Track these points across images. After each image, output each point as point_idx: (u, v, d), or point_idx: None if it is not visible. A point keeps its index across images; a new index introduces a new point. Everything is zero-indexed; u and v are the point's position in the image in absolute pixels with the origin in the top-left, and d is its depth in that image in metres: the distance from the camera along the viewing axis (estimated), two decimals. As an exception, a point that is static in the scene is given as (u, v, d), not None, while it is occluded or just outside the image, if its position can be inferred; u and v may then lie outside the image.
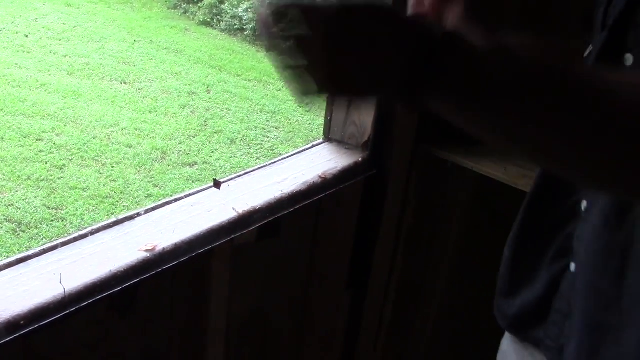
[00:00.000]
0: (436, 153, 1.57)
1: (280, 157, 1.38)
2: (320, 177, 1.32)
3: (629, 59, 0.68)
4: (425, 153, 1.57)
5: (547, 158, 0.62)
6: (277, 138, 7.93)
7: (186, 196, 1.22)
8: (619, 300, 0.77)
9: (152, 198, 5.96)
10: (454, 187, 1.78)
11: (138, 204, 5.84)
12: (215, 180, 1.24)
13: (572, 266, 0.86)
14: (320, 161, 1.39)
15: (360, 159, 1.42)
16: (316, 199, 1.32)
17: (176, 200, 1.20)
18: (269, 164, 1.35)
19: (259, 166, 1.35)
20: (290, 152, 1.42)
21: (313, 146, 1.46)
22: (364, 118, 1.38)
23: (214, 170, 6.93)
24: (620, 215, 0.75)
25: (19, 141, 6.85)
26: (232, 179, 1.28)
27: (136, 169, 6.68)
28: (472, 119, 0.62)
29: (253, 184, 1.26)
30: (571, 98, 0.55)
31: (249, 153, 7.49)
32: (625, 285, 0.76)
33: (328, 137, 1.47)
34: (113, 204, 5.89)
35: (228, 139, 7.78)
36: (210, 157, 7.26)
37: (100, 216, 5.49)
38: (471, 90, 0.58)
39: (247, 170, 1.32)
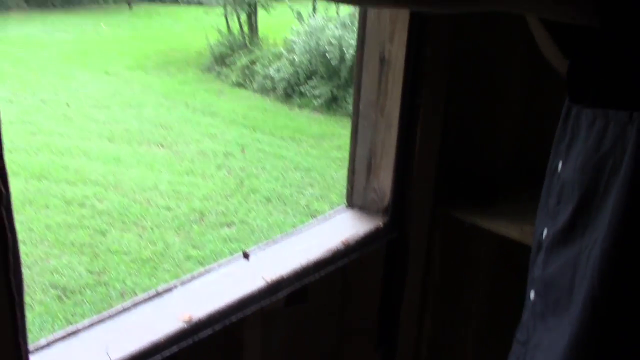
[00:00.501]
0: (454, 214, 1.63)
1: (305, 226, 1.46)
2: (343, 243, 1.39)
3: None
4: (444, 215, 1.64)
5: None
6: (312, 195, 8.02)
7: (218, 267, 1.30)
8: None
9: (191, 260, 6.08)
10: (476, 246, 1.83)
11: (178, 267, 5.95)
12: (244, 251, 1.33)
13: (532, 294, 0.92)
14: (343, 228, 1.47)
15: (381, 224, 1.49)
16: (340, 264, 1.39)
17: (208, 271, 1.29)
18: (294, 233, 1.44)
19: (284, 235, 1.43)
20: (314, 220, 1.50)
21: (336, 213, 1.54)
22: (383, 184, 1.46)
23: (251, 229, 7.03)
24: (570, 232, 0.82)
25: (63, 208, 7.07)
26: (259, 249, 1.36)
27: (175, 231, 6.82)
28: None
29: (279, 253, 1.34)
30: None
31: (285, 211, 7.58)
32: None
33: (350, 204, 1.55)
34: (154, 267, 6.01)
35: (264, 197, 7.89)
36: (247, 216, 7.36)
37: (141, 280, 5.62)
38: None
39: (274, 240, 1.40)
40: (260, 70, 11.88)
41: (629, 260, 0.72)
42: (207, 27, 13.67)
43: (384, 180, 1.44)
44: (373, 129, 1.41)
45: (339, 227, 1.47)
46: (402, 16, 1.28)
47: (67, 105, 10.40)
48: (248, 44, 13.01)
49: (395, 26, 1.30)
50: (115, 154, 8.82)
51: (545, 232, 0.88)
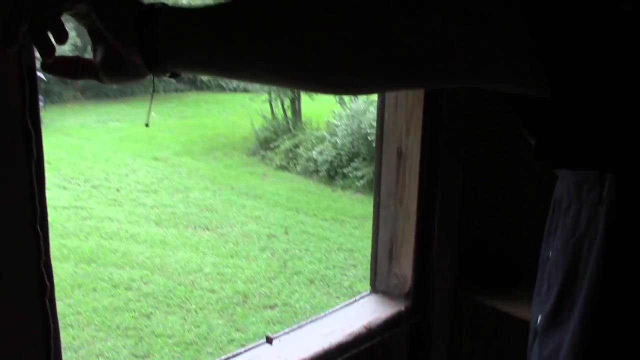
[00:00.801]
0: (477, 298, 1.67)
1: (329, 310, 1.52)
2: (365, 327, 1.45)
3: None
4: (466, 299, 1.68)
5: (258, 73, 0.68)
6: (355, 276, 8.03)
7: (243, 351, 1.36)
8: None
9: (234, 343, 6.11)
10: (498, 330, 1.85)
11: (221, 350, 5.99)
12: (267, 336, 1.39)
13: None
14: (366, 312, 1.52)
15: (403, 308, 1.55)
16: (363, 348, 1.44)
17: (234, 356, 1.35)
18: (319, 318, 1.50)
19: (309, 320, 1.49)
20: (338, 305, 1.56)
21: (360, 297, 1.60)
22: (404, 270, 1.52)
23: (294, 311, 7.06)
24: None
25: (110, 291, 7.23)
26: (284, 333, 1.43)
27: (219, 313, 6.89)
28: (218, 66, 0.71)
29: (303, 337, 1.40)
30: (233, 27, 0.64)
31: (328, 292, 7.60)
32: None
33: (374, 289, 1.62)
34: (197, 350, 6.06)
35: (307, 279, 7.94)
36: (290, 298, 7.40)
37: (184, 363, 5.66)
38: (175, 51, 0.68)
39: (299, 324, 1.46)
40: (303, 153, 12.13)
41: (604, 343, 0.76)
42: (252, 113, 14.11)
43: (405, 266, 1.50)
44: (393, 218, 1.48)
45: (362, 312, 1.53)
46: (417, 112, 1.37)
47: (117, 190, 10.75)
48: (292, 128, 13.35)
49: (410, 121, 1.39)
50: (162, 237, 9.04)
51: (539, 318, 0.92)
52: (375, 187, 1.52)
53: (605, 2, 0.59)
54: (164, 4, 0.68)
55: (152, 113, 16.03)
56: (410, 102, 1.38)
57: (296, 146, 12.53)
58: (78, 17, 0.70)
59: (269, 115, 14.01)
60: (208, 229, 9.52)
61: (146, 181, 11.26)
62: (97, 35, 0.72)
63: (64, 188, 10.63)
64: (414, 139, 1.38)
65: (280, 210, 10.41)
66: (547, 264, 0.91)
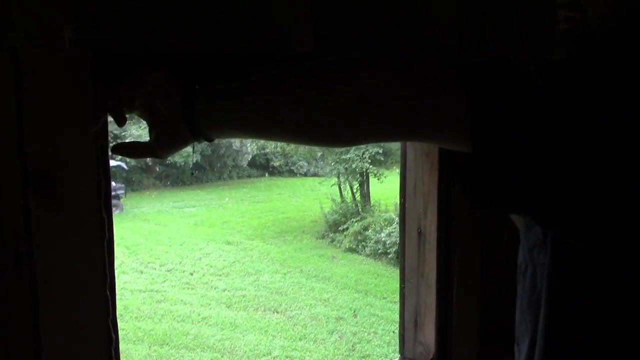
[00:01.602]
0: (500, 365, 1.79)
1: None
2: (393, 391, 1.60)
3: None
4: (490, 365, 1.80)
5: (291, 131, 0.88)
6: (422, 358, 7.99)
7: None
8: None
9: None
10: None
11: None
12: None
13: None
14: (395, 378, 1.68)
15: (430, 374, 1.69)
16: (393, 411, 1.58)
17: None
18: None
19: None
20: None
21: (392, 365, 1.75)
22: (428, 339, 1.68)
23: (362, 394, 7.07)
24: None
25: (181, 373, 7.44)
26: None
27: (286, 395, 6.96)
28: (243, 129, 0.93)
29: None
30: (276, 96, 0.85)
31: (394, 375, 7.58)
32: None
33: (402, 356, 1.77)
34: None
35: (375, 362, 7.94)
36: (358, 381, 7.42)
37: None
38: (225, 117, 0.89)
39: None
40: (372, 236, 12.24)
41: None
42: (322, 196, 14.42)
43: (429, 335, 1.66)
44: (416, 291, 1.66)
45: (392, 377, 1.67)
46: (432, 196, 1.57)
47: (191, 274, 11.11)
48: (360, 210, 13.53)
49: (427, 204, 1.59)
50: (233, 320, 9.25)
51: None
52: (400, 263, 1.71)
53: (522, 79, 0.77)
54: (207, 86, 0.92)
55: (226, 198, 16.53)
56: (427, 187, 1.57)
57: (365, 228, 12.66)
58: (140, 104, 0.95)
59: (338, 199, 14.27)
60: (277, 312, 9.67)
61: (218, 265, 11.60)
62: (154, 118, 0.95)
63: (141, 272, 11.08)
64: (430, 220, 1.58)
65: (349, 292, 10.48)
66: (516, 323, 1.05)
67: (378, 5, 1.43)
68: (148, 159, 0.97)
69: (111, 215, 1.02)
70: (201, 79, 1.07)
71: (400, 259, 1.72)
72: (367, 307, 9.92)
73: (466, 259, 1.59)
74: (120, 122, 0.94)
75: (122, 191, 16.48)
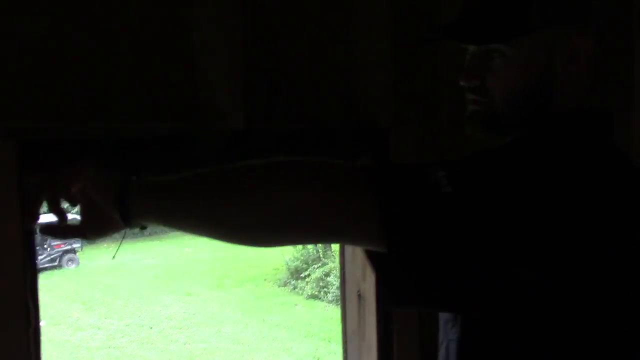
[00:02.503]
0: None
1: None
2: None
3: None
4: None
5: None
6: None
7: None
8: None
9: None
10: None
11: None
12: None
13: None
14: None
15: None
16: None
17: None
18: None
19: None
20: None
21: None
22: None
23: None
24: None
25: None
26: None
27: None
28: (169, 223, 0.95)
29: None
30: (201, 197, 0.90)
31: None
32: None
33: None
34: None
35: (338, 413, 7.86)
36: None
37: None
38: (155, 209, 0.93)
39: None
40: (333, 281, 12.21)
41: None
42: (283, 244, 14.35)
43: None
44: (358, 352, 1.68)
45: None
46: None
47: (150, 328, 10.91)
48: (321, 256, 13.51)
49: (365, 267, 1.62)
50: (194, 375, 9.07)
51: None
52: (342, 324, 1.73)
53: (431, 186, 0.82)
54: (140, 178, 0.95)
55: (186, 248, 16.37)
56: (364, 251, 1.61)
57: (326, 274, 12.64)
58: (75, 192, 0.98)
59: (300, 246, 14.25)
60: (239, 364, 9.54)
61: (179, 317, 11.42)
62: (88, 204, 0.98)
63: (99, 328, 10.85)
64: (369, 283, 1.61)
65: (312, 340, 10.41)
66: None
67: (309, 83, 1.48)
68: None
69: (37, 303, 1.03)
70: (136, 160, 1.10)
71: (342, 322, 1.74)
72: (330, 355, 9.86)
73: (405, 321, 1.62)
74: (61, 216, 0.98)
75: (79, 244, 16.18)
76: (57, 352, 9.80)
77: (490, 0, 0.99)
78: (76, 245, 16.06)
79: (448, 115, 1.03)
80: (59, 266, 15.44)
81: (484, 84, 1.00)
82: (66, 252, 15.89)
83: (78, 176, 0.96)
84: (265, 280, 13.72)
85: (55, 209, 0.97)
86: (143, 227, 0.98)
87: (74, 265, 15.66)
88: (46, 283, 13.42)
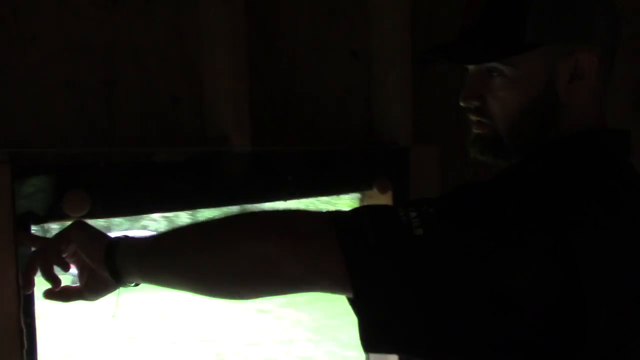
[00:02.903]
0: None
1: None
2: None
3: None
4: None
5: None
6: None
7: None
8: None
9: None
10: None
11: None
12: None
13: None
14: None
15: None
16: None
17: None
18: None
19: None
20: None
21: None
22: None
23: None
24: None
25: None
26: None
27: None
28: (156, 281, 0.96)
29: None
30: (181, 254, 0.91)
31: None
32: None
33: None
34: None
35: None
36: None
37: None
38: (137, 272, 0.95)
39: None
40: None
41: None
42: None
43: None
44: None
45: None
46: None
47: (222, 344, 11.07)
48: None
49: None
50: (264, 392, 9.12)
51: None
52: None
53: (403, 228, 0.80)
54: (127, 237, 0.98)
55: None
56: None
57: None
58: (69, 256, 1.02)
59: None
60: (310, 383, 9.54)
61: (250, 334, 11.54)
62: (82, 267, 1.02)
63: (174, 343, 11.09)
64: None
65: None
66: None
67: (327, 103, 1.48)
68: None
69: (33, 323, 1.05)
70: (140, 185, 1.13)
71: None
72: (400, 376, 9.71)
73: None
74: (55, 283, 1.01)
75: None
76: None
77: (485, 19, 0.95)
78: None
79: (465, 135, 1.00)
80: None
81: (484, 104, 0.97)
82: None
83: (67, 241, 0.99)
84: (336, 298, 13.58)
85: (48, 275, 0.99)
86: (137, 284, 1.00)
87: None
88: (124, 298, 13.85)
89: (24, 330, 1.03)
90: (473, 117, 0.99)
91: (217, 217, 0.93)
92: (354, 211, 0.86)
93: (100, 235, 0.99)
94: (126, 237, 0.98)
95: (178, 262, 0.92)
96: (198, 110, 1.30)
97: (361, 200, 1.61)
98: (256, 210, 0.92)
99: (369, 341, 0.83)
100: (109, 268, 0.95)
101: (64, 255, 1.00)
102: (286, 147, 1.39)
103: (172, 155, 1.24)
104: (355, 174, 1.49)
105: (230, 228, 0.90)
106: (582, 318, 0.79)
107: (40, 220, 1.08)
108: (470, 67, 0.98)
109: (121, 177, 1.16)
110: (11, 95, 1.09)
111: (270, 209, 0.93)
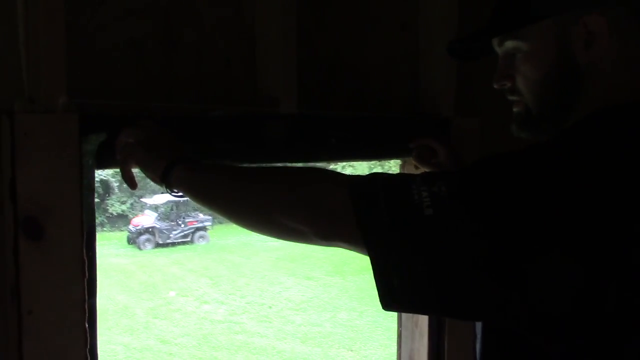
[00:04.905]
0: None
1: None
2: None
3: None
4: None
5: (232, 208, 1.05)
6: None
7: None
8: None
9: None
10: None
11: None
12: None
13: None
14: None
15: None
16: None
17: None
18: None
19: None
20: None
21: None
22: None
23: None
24: None
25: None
26: None
27: None
28: (194, 197, 1.07)
29: None
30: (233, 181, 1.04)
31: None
32: None
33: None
34: None
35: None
36: None
37: None
38: (188, 184, 1.06)
39: None
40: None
41: None
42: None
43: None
44: (411, 337, 1.72)
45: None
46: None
47: (269, 307, 11.32)
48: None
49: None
50: (306, 355, 9.34)
51: None
52: (398, 315, 1.79)
53: (413, 207, 0.86)
54: (181, 162, 1.08)
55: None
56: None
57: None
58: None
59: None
60: (352, 350, 9.70)
61: (297, 299, 11.76)
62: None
63: (222, 303, 11.40)
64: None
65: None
66: None
67: (372, 71, 1.55)
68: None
69: (94, 256, 1.17)
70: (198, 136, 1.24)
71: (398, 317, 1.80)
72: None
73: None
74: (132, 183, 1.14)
75: (210, 223, 17.01)
76: (184, 321, 10.41)
77: (497, 3, 1.03)
78: (207, 224, 16.91)
79: (508, 109, 1.06)
80: (191, 242, 16.33)
81: (514, 83, 1.03)
82: (198, 229, 16.76)
83: (131, 162, 1.12)
84: (384, 271, 13.76)
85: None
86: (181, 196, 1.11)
87: (204, 242, 16.50)
88: (178, 257, 14.27)
89: (86, 261, 1.14)
90: (510, 97, 1.06)
91: (260, 169, 1.03)
92: (371, 184, 0.93)
93: (158, 155, 1.10)
94: (181, 161, 1.08)
95: (216, 204, 1.06)
96: (251, 72, 1.39)
97: (401, 166, 1.69)
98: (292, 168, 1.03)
99: (386, 301, 0.90)
100: (164, 184, 1.08)
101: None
102: (331, 112, 1.47)
103: (223, 113, 1.33)
104: (396, 141, 1.55)
105: (266, 193, 1.01)
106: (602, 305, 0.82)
107: (102, 165, 1.18)
108: (498, 51, 1.05)
109: (176, 131, 1.26)
110: (82, 52, 1.19)
111: (302, 170, 1.08)
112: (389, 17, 1.59)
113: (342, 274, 13.40)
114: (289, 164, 1.32)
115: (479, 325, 1.06)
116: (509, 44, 1.01)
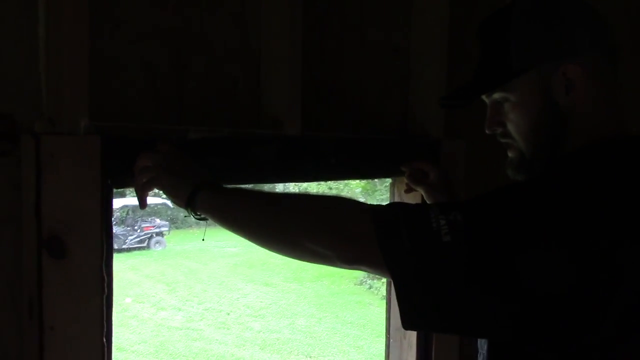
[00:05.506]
0: None
1: None
2: None
3: None
4: None
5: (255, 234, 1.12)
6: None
7: None
8: None
9: None
10: None
11: None
12: None
13: None
14: None
15: None
16: None
17: None
18: None
19: None
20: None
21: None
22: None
23: None
24: None
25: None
26: None
27: None
28: (219, 221, 1.12)
29: None
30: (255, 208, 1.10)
31: None
32: None
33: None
34: None
35: (402, 412, 7.89)
36: None
37: None
38: (213, 208, 1.11)
39: None
40: (409, 284, 12.16)
41: None
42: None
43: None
44: (399, 348, 1.80)
45: None
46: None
47: (227, 314, 11.26)
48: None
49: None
50: (265, 362, 9.32)
51: None
52: (386, 321, 1.86)
53: (432, 234, 0.93)
54: (206, 186, 1.13)
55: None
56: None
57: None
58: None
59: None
60: (310, 357, 9.70)
61: (255, 306, 11.72)
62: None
63: (179, 309, 11.29)
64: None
65: (384, 340, 10.42)
66: None
67: (368, 95, 1.62)
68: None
69: (111, 273, 1.21)
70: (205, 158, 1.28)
71: (386, 319, 1.87)
72: (400, 357, 9.83)
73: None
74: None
75: (166, 228, 16.87)
76: (140, 328, 10.28)
77: (482, 58, 1.13)
78: (164, 229, 16.75)
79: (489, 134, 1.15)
80: (147, 247, 16.14)
81: (506, 129, 1.12)
82: (155, 234, 16.60)
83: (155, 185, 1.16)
84: (342, 277, 13.85)
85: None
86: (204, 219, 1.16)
87: (161, 247, 16.33)
88: (134, 262, 14.08)
89: (105, 278, 1.18)
90: (502, 140, 1.15)
91: (284, 194, 1.09)
92: (392, 212, 0.99)
93: (183, 179, 1.15)
94: (205, 186, 1.13)
95: (241, 228, 1.12)
96: (255, 95, 1.44)
97: (392, 184, 1.76)
98: (315, 195, 1.10)
99: (407, 321, 0.97)
100: (189, 208, 1.13)
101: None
102: (332, 134, 1.53)
103: (230, 134, 1.39)
104: (390, 161, 1.63)
105: (292, 218, 1.07)
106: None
107: (119, 184, 1.23)
108: (486, 100, 1.15)
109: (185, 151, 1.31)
110: (100, 74, 1.23)
111: (325, 197, 1.12)
112: (383, 41, 1.66)
113: (299, 280, 13.43)
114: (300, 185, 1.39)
115: (481, 341, 1.13)
116: (497, 95, 1.11)
